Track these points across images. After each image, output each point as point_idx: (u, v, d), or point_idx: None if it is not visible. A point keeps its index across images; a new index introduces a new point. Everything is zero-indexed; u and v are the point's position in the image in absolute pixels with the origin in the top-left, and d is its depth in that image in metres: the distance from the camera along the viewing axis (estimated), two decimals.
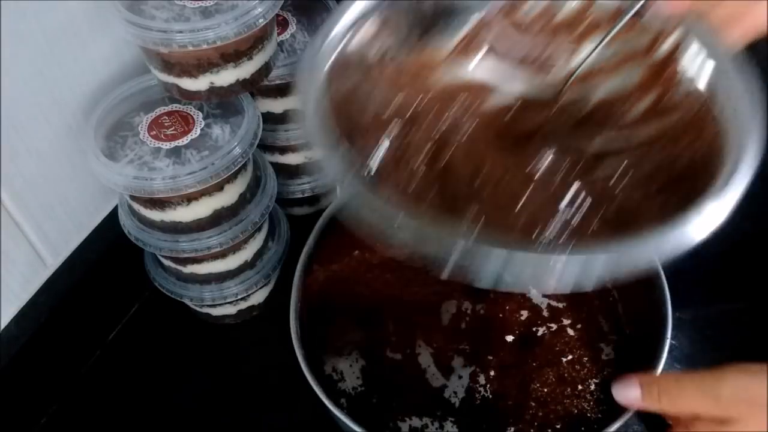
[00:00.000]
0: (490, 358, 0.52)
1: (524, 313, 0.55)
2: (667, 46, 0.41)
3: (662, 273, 0.49)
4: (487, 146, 0.43)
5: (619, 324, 0.53)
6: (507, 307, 0.55)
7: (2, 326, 0.51)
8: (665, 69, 0.42)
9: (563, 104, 0.44)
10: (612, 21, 0.42)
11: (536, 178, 0.41)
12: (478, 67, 0.45)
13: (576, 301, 0.55)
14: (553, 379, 0.51)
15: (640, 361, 0.48)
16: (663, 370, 0.45)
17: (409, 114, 0.43)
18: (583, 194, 0.39)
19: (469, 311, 0.55)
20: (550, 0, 0.45)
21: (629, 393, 0.42)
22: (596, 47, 0.43)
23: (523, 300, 0.56)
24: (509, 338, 0.54)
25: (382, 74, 0.43)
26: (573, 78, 0.43)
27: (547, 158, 0.41)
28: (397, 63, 0.44)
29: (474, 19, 0.45)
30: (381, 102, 0.43)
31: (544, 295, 0.56)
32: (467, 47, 0.45)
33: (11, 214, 0.48)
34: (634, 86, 0.43)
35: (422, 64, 0.45)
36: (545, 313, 0.55)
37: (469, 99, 0.44)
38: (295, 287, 0.49)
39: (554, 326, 0.54)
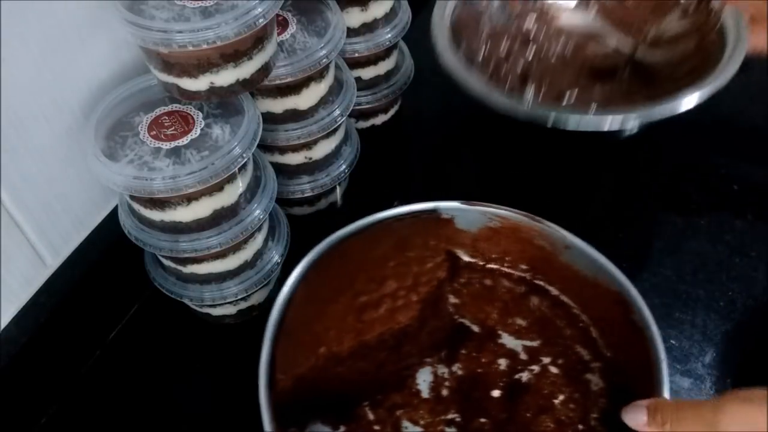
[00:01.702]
0: (483, 420, 0.50)
1: (502, 362, 0.52)
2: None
3: (639, 297, 0.48)
4: (568, 68, 0.70)
5: (598, 349, 0.52)
6: (483, 360, 0.53)
7: (2, 326, 0.51)
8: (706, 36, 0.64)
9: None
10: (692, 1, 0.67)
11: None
12: (591, 19, 0.74)
13: (549, 335, 0.53)
14: (552, 425, 0.48)
15: (631, 384, 0.47)
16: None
17: (531, 36, 0.72)
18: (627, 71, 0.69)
19: (446, 375, 0.52)
20: None
21: (637, 418, 0.42)
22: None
23: (497, 347, 0.53)
24: (495, 393, 0.51)
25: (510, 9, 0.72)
26: (645, 40, 0.70)
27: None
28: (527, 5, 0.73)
29: None
30: (503, 25, 0.72)
31: (518, 337, 0.54)
32: (584, 4, 0.74)
33: (11, 214, 0.48)
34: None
35: (549, 7, 0.73)
36: (523, 356, 0.53)
37: (580, 37, 0.73)
38: (264, 406, 0.45)
39: (536, 368, 0.52)
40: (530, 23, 0.74)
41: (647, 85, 0.68)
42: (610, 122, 0.56)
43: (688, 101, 0.57)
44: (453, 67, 0.62)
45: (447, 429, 0.50)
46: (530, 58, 0.72)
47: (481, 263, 0.58)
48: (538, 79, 0.69)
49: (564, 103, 0.67)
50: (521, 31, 0.74)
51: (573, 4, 0.74)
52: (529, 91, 0.67)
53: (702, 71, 0.61)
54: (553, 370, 0.52)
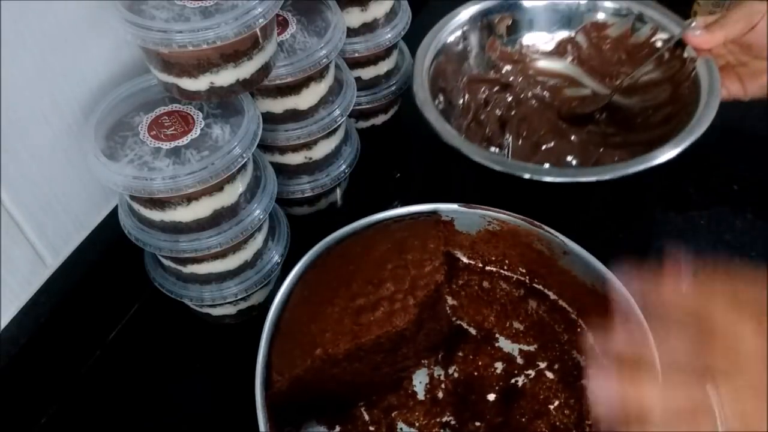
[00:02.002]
0: (478, 424, 0.50)
1: (499, 366, 0.53)
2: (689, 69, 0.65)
3: (636, 307, 0.48)
4: (545, 113, 0.71)
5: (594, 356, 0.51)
6: (480, 363, 0.53)
7: (2, 326, 0.51)
8: (681, 84, 0.65)
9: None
10: (666, 50, 0.67)
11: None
12: (567, 66, 0.75)
13: (546, 340, 0.54)
14: (547, 431, 0.49)
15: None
16: None
17: (509, 81, 0.74)
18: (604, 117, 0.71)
19: (442, 377, 0.53)
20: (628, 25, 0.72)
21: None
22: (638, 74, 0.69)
23: (494, 351, 0.54)
24: (491, 397, 0.51)
25: (490, 53, 0.74)
26: (620, 88, 0.70)
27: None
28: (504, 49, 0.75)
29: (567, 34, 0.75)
30: (482, 71, 0.74)
31: (514, 341, 0.54)
32: (561, 51, 0.75)
33: (11, 214, 0.48)
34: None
35: (527, 53, 0.75)
36: (519, 361, 0.53)
37: (557, 82, 0.74)
38: (260, 407, 0.45)
39: (532, 372, 0.52)
40: (508, 69, 0.75)
41: (624, 129, 0.69)
42: (585, 179, 0.57)
43: (666, 156, 0.57)
44: (434, 122, 0.61)
45: (441, 431, 0.50)
46: (509, 101, 0.73)
47: (480, 265, 0.58)
48: (516, 125, 0.70)
49: (543, 147, 0.68)
50: (499, 77, 0.74)
51: (550, 48, 0.75)
52: (508, 140, 0.69)
53: (677, 119, 0.61)
54: (549, 375, 0.52)
